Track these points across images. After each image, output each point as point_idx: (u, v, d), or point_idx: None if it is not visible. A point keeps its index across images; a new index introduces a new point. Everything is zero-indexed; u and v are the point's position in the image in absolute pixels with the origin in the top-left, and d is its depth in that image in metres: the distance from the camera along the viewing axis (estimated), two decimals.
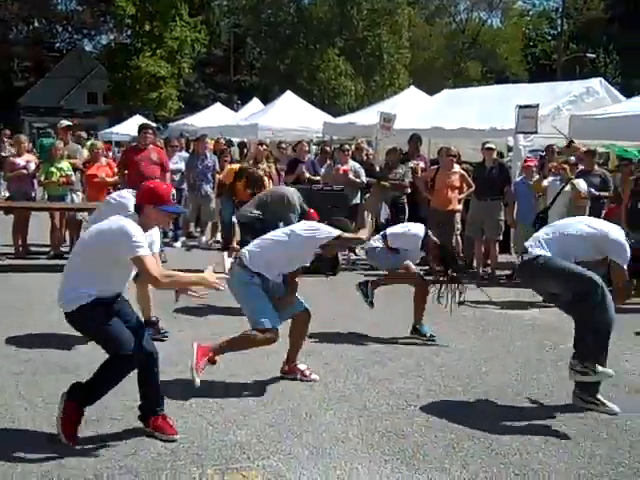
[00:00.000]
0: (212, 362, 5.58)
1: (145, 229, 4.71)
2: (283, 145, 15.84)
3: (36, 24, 55.98)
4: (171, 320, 7.82)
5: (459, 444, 4.88)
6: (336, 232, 5.91)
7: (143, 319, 7.06)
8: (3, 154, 12.78)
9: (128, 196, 6.49)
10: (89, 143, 14.46)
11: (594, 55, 44.19)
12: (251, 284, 5.76)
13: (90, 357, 6.40)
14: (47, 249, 11.88)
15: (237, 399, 5.58)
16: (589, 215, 8.69)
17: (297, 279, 6.15)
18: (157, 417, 4.89)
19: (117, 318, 4.75)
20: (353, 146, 13.53)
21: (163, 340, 7.07)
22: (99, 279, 4.68)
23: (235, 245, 9.52)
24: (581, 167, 10.94)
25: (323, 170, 12.66)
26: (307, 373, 6.16)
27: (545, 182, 10.75)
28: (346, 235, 6.03)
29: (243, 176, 10.79)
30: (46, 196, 12.34)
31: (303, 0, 50.97)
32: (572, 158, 11.10)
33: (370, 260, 8.28)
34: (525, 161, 12.40)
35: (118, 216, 4.72)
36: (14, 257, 11.54)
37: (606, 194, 10.81)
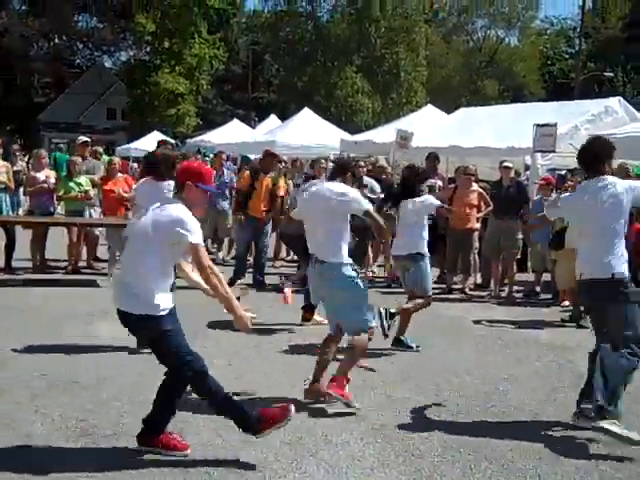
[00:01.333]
0: (348, 381, 5.91)
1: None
2: (298, 163, 15.83)
3: (57, 41, 56.44)
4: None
5: (476, 465, 4.84)
6: (367, 206, 6.04)
7: None
8: (15, 168, 12.80)
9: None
10: (104, 158, 14.52)
11: (612, 74, 44.13)
12: (356, 279, 5.90)
13: (107, 372, 6.43)
14: (64, 264, 11.92)
15: None
16: None
17: None
18: (165, 435, 4.85)
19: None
20: (369, 164, 13.51)
21: None
22: (165, 272, 4.73)
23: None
24: None
25: None
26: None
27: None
28: (373, 213, 6.09)
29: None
30: (64, 211, 12.40)
31: (321, 18, 51.25)
32: None
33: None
34: (543, 179, 12.35)
35: (172, 204, 4.70)
36: (32, 271, 11.59)
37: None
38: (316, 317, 8.64)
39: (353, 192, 6.05)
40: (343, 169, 6.34)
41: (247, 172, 11.44)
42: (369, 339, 5.98)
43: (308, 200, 6.33)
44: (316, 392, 5.97)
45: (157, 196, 5.30)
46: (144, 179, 7.43)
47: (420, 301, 7.67)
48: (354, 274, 5.86)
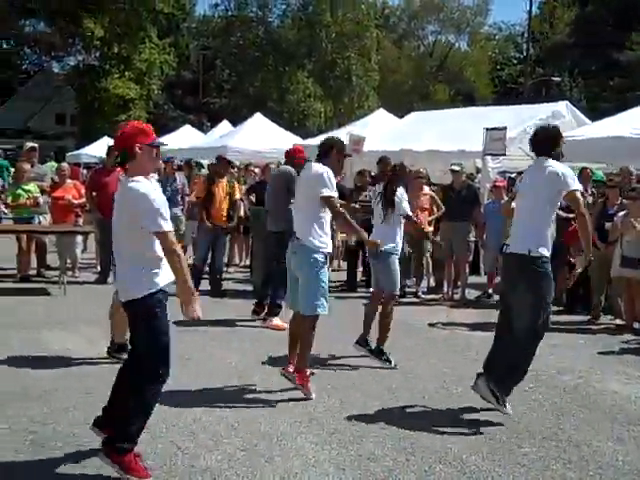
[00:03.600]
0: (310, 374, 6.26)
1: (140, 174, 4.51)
2: (252, 167, 15.75)
3: (4, 45, 55.61)
4: None
5: (431, 467, 4.85)
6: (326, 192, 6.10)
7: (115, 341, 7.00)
8: None
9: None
10: (50, 164, 14.27)
11: (560, 79, 44.90)
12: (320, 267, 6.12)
13: (57, 383, 6.32)
14: (14, 272, 11.71)
15: (208, 424, 5.50)
16: (556, 235, 8.70)
17: None
18: (130, 454, 4.57)
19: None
20: None
21: None
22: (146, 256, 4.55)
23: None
24: None
25: None
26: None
27: (514, 204, 10.76)
28: (332, 200, 6.16)
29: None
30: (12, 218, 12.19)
31: (272, 23, 51.24)
32: None
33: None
34: (494, 182, 12.48)
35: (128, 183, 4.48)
36: None
37: (572, 215, 10.87)
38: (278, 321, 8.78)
39: (326, 174, 6.13)
40: (324, 148, 6.43)
41: (201, 179, 11.45)
42: (313, 327, 6.17)
43: (298, 182, 6.70)
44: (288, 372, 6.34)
45: None
46: None
47: (387, 307, 7.48)
48: (320, 262, 6.08)
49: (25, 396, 5.98)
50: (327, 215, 6.25)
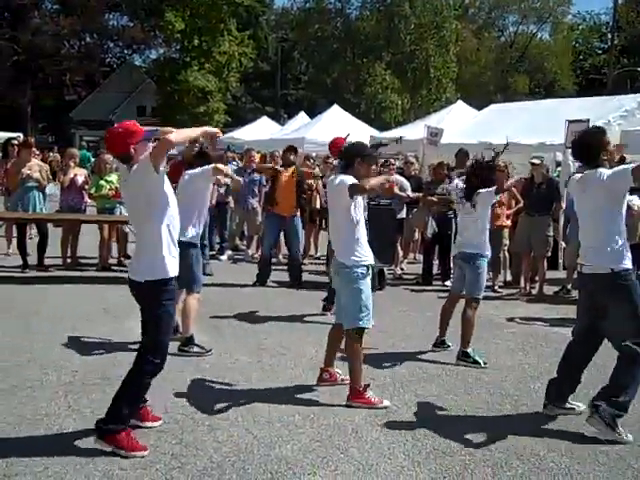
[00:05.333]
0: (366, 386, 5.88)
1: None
2: (330, 159, 15.77)
3: (88, 39, 56.98)
4: (212, 333, 7.87)
5: (507, 463, 4.81)
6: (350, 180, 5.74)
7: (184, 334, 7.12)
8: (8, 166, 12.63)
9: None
10: None
11: None
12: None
13: None
14: (96, 261, 12.02)
15: (283, 414, 5.55)
16: None
17: None
18: (122, 433, 4.78)
19: None
20: (399, 161, 13.47)
21: (208, 355, 7.08)
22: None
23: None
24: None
25: None
26: (343, 377, 6.25)
27: None
28: (360, 183, 5.74)
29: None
30: (95, 209, 12.50)
31: (350, 15, 51.19)
32: None
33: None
34: None
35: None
36: (63, 268, 11.70)
37: None
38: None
39: (341, 181, 5.76)
40: (347, 158, 5.98)
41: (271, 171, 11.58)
42: (359, 342, 5.89)
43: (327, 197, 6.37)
44: (323, 380, 6.26)
45: None
46: None
47: (469, 311, 7.23)
48: (360, 275, 5.82)
49: (107, 381, 6.14)
50: (360, 226, 5.87)
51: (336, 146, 8.51)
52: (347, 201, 5.75)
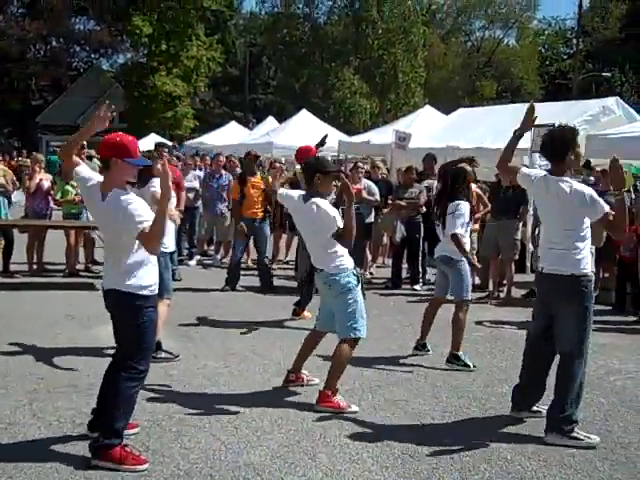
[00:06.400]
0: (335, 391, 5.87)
1: (114, 185, 4.64)
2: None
3: (54, 43, 56.43)
4: (181, 338, 7.82)
5: (475, 467, 4.82)
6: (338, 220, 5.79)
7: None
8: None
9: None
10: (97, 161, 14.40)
11: (610, 74, 44.13)
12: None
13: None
14: (63, 267, 11.89)
15: (251, 419, 5.53)
16: (606, 235, 8.54)
17: None
18: (118, 447, 4.67)
19: None
20: (367, 165, 13.52)
21: (176, 360, 7.04)
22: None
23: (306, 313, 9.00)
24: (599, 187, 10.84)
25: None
26: (309, 378, 6.37)
27: None
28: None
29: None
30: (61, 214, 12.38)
31: (318, 19, 51.23)
32: (591, 178, 11.01)
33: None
34: None
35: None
36: (29, 274, 11.57)
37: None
38: (306, 313, 8.85)
39: (331, 211, 5.82)
40: (308, 172, 6.00)
41: (235, 183, 11.52)
42: (351, 350, 5.90)
43: (295, 212, 6.30)
44: (290, 381, 6.33)
45: None
46: None
47: (459, 314, 7.28)
48: (352, 284, 5.84)
49: (73, 388, 6.08)
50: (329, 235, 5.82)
51: (302, 155, 8.47)
52: (332, 228, 5.77)
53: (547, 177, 5.53)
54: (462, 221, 7.21)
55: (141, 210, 4.54)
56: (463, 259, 7.25)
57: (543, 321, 5.54)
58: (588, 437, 5.26)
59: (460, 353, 7.20)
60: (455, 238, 7.12)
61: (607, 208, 5.19)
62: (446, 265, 7.39)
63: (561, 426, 5.24)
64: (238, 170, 13.56)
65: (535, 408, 5.75)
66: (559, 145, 5.51)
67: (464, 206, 7.28)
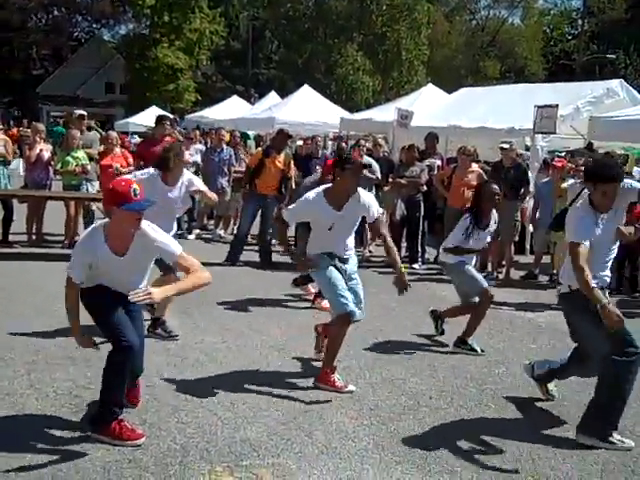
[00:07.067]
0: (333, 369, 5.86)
1: (120, 235, 4.64)
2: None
3: (56, 12, 56.06)
4: (179, 314, 7.81)
5: (470, 446, 4.83)
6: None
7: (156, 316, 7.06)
8: None
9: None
10: (92, 132, 14.32)
11: (614, 56, 43.88)
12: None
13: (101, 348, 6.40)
14: (62, 238, 11.87)
15: (248, 395, 5.54)
16: None
17: None
18: (114, 422, 4.67)
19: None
20: (369, 143, 13.46)
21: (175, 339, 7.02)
22: None
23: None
24: None
25: None
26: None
27: (565, 184, 10.57)
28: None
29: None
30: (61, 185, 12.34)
31: None
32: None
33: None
34: (553, 161, 12.20)
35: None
36: (28, 245, 11.55)
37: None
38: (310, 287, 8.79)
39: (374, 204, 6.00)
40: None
41: (259, 150, 11.49)
42: (343, 327, 5.82)
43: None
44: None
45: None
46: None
47: (484, 308, 7.25)
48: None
49: (70, 360, 6.08)
50: None
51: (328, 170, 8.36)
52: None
53: None
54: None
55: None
56: (457, 262, 7.28)
57: None
58: (622, 441, 4.95)
59: (469, 339, 7.16)
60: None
61: None
62: (450, 274, 7.50)
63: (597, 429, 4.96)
64: (240, 147, 13.52)
65: (549, 387, 5.77)
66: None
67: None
